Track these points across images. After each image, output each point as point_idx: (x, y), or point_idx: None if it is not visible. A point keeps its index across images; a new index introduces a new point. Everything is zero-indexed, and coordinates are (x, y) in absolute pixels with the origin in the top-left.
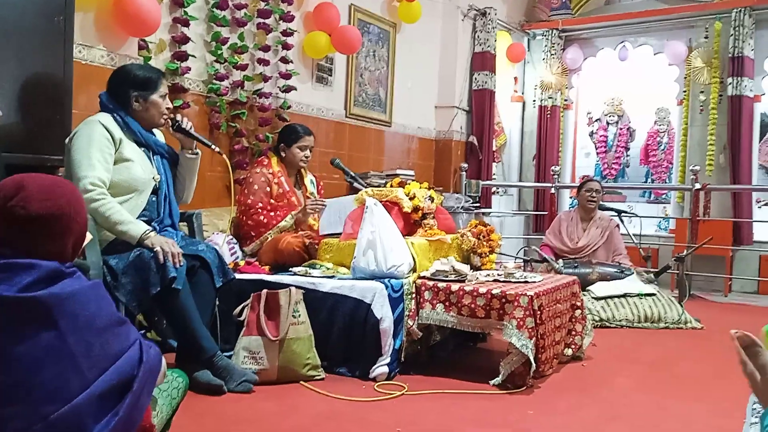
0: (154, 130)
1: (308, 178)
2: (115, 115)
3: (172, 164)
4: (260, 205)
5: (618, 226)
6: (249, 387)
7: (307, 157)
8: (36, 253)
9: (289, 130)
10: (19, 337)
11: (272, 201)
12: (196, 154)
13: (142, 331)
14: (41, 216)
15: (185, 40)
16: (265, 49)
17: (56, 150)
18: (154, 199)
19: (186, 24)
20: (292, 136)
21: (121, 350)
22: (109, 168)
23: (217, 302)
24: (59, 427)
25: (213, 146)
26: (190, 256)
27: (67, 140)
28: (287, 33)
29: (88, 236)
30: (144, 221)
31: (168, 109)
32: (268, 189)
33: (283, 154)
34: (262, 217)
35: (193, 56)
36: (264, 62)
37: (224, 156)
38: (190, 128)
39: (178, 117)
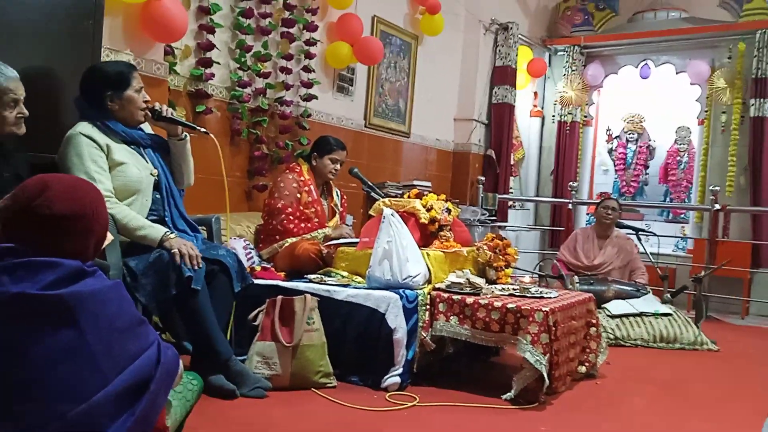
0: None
1: (334, 189)
2: (95, 122)
3: (164, 153)
4: (290, 210)
5: (636, 246)
6: (262, 393)
7: (336, 170)
8: (58, 252)
9: (324, 140)
10: (39, 334)
11: (301, 208)
12: (184, 138)
13: (157, 332)
14: (65, 215)
15: (210, 47)
16: (288, 57)
17: None
18: (158, 195)
19: (211, 31)
20: (326, 147)
21: (140, 350)
22: (108, 176)
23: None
24: (76, 426)
25: (198, 128)
26: (209, 260)
27: (57, 157)
28: (310, 42)
29: (109, 237)
30: (155, 221)
31: (146, 102)
32: (298, 195)
33: (314, 163)
34: (291, 226)
35: (217, 63)
36: (286, 71)
37: (212, 135)
38: (171, 114)
39: (157, 105)
